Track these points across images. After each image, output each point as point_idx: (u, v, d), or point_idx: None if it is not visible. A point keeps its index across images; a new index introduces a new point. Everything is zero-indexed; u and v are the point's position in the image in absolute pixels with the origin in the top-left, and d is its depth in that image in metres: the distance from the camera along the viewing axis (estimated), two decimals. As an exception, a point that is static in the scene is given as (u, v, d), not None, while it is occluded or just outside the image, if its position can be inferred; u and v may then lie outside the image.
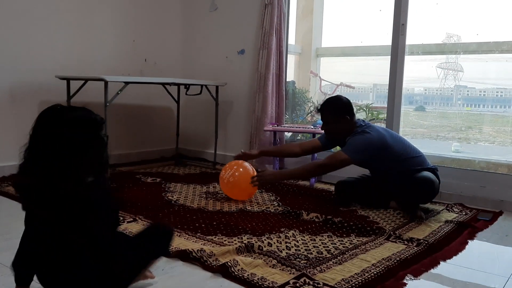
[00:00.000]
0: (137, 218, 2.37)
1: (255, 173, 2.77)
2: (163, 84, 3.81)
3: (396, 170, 2.66)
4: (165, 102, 4.25)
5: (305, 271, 1.71)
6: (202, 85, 3.86)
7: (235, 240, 2.06)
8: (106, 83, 3.03)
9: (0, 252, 1.85)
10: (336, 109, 2.75)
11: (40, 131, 1.27)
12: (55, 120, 1.28)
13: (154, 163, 4.09)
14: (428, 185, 2.56)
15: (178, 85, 3.99)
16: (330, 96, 2.83)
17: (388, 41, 3.34)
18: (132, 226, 2.23)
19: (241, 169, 2.77)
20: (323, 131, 2.86)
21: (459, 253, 2.06)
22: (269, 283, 1.61)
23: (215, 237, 2.11)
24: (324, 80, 4.82)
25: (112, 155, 3.50)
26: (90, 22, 3.74)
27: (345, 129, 2.73)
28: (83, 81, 3.30)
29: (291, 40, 4.44)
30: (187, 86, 3.91)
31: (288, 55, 4.05)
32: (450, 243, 2.16)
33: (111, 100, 3.08)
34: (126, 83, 3.18)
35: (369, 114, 4.50)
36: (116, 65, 3.93)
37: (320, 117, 2.84)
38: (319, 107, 2.83)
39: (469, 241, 2.23)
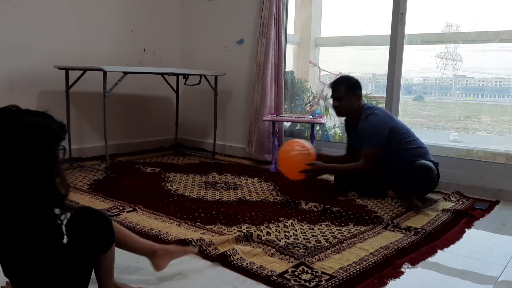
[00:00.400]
0: (136, 208, 2.39)
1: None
2: (162, 74, 3.80)
3: (398, 159, 2.67)
4: (164, 92, 4.25)
5: (303, 260, 1.73)
6: (201, 75, 3.85)
7: (234, 229, 2.07)
8: (104, 73, 3.02)
9: None
10: (350, 85, 2.79)
11: None
12: (3, 123, 1.11)
13: (153, 153, 4.10)
14: (426, 173, 2.57)
15: (177, 75, 3.99)
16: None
17: (387, 31, 3.33)
18: (132, 216, 2.25)
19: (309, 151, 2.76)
20: (333, 108, 2.88)
21: (456, 242, 2.07)
22: (268, 272, 1.62)
23: (214, 226, 2.12)
24: (323, 70, 4.81)
25: (111, 145, 3.53)
26: (89, 12, 3.71)
27: (355, 107, 2.79)
28: (81, 71, 3.29)
29: (290, 29, 4.42)
30: (186, 76, 3.90)
31: (287, 44, 4.04)
32: (448, 232, 2.18)
33: (110, 90, 3.07)
34: (125, 73, 3.18)
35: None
36: (115, 55, 3.92)
37: (331, 94, 2.85)
38: (331, 83, 2.86)
39: (466, 230, 2.24)
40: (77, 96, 3.55)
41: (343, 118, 3.05)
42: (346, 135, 3.08)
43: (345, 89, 2.78)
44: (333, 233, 2.09)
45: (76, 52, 3.63)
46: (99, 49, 3.81)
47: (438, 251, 1.95)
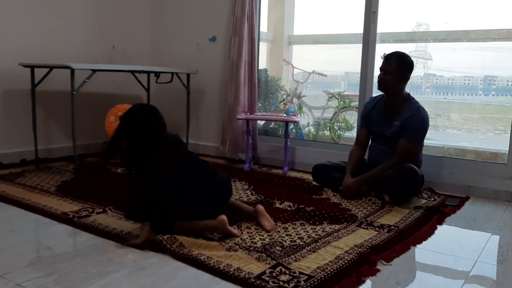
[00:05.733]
0: (106, 209, 2.31)
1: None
2: (132, 72, 3.72)
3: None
4: (135, 90, 4.15)
5: (280, 261, 1.71)
6: (172, 73, 3.78)
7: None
8: (72, 70, 2.92)
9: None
10: (403, 64, 2.66)
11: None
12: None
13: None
14: (416, 175, 2.58)
15: (148, 72, 3.90)
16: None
17: (360, 29, 3.34)
18: (101, 218, 2.18)
19: None
20: (378, 79, 2.71)
21: (429, 238, 2.10)
22: (245, 274, 1.59)
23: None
24: (296, 68, 4.81)
25: (80, 145, 3.42)
26: (55, 7, 3.59)
27: (398, 88, 2.67)
28: (48, 69, 3.18)
29: (263, 27, 4.40)
30: (157, 74, 3.82)
31: (260, 42, 4.02)
32: (420, 229, 2.20)
33: (78, 89, 2.98)
34: (94, 70, 3.08)
35: (341, 102, 4.52)
36: (83, 52, 3.81)
37: (382, 65, 2.69)
38: (386, 55, 2.69)
39: (438, 226, 2.28)
40: (43, 95, 3.43)
41: (366, 103, 2.94)
42: (362, 122, 2.91)
43: (397, 65, 2.63)
44: (308, 232, 2.08)
45: (42, 49, 3.50)
46: (66, 46, 3.68)
47: (411, 247, 1.97)
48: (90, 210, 2.30)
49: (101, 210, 2.30)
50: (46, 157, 3.51)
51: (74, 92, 2.95)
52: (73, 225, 2.09)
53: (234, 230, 1.99)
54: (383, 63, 2.69)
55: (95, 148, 3.90)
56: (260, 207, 2.17)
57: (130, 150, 2.05)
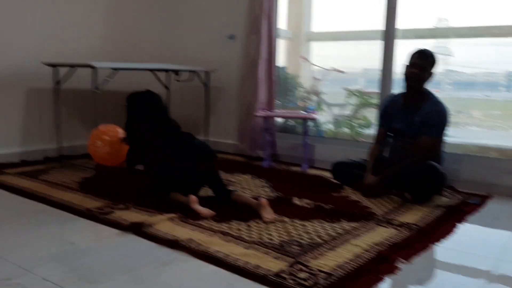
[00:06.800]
0: (128, 205, 2.36)
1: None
2: (152, 70, 3.76)
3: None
4: (155, 88, 4.16)
5: (299, 258, 1.72)
6: (192, 71, 3.82)
7: (223, 226, 2.07)
8: (94, 69, 2.98)
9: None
10: (435, 60, 2.67)
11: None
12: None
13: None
14: (436, 173, 2.55)
15: (168, 71, 3.95)
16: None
17: (379, 26, 3.32)
18: (123, 214, 2.22)
19: None
20: (410, 74, 2.66)
21: (450, 237, 2.08)
22: (264, 271, 1.60)
23: (204, 222, 2.11)
24: (314, 65, 4.79)
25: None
26: (78, 7, 3.66)
27: (424, 84, 2.68)
28: (70, 68, 3.24)
29: (282, 24, 4.39)
30: (177, 72, 3.86)
31: (279, 39, 4.01)
32: (441, 227, 2.18)
33: (99, 87, 3.03)
34: (115, 69, 3.13)
35: (361, 99, 4.49)
36: (104, 51, 3.87)
37: (415, 60, 2.66)
38: (421, 50, 2.67)
39: (460, 224, 2.25)
40: (66, 93, 3.50)
41: (384, 101, 2.94)
42: (381, 121, 2.91)
43: (431, 62, 2.65)
44: (326, 229, 2.08)
45: (64, 48, 3.58)
46: (87, 44, 3.75)
47: (432, 246, 1.95)
48: (113, 206, 2.34)
49: (123, 206, 2.34)
50: (69, 154, 3.59)
51: (96, 91, 3.00)
52: (97, 221, 2.14)
53: (204, 210, 2.21)
54: (417, 58, 2.66)
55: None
56: (264, 200, 2.26)
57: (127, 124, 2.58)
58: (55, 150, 3.44)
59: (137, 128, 2.54)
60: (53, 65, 3.23)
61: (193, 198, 2.27)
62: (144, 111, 2.53)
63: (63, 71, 3.28)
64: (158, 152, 2.47)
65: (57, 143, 3.38)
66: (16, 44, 3.29)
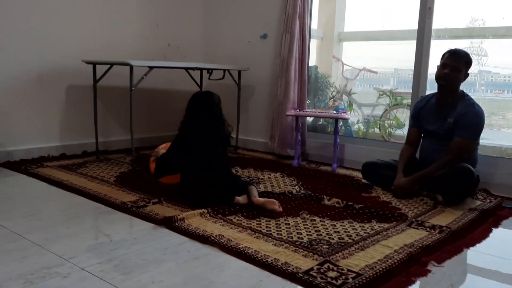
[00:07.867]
0: (161, 199, 2.42)
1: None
2: (186, 68, 3.84)
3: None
4: (188, 86, 4.27)
5: (328, 258, 1.73)
6: (224, 70, 3.87)
7: (253, 222, 2.10)
8: (131, 67, 3.06)
9: (33, 231, 1.93)
10: (469, 62, 2.66)
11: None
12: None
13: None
14: (469, 175, 2.51)
15: (201, 69, 4.01)
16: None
17: (411, 25, 3.27)
18: (157, 208, 2.28)
19: None
20: (444, 75, 2.63)
21: (483, 241, 2.04)
22: (293, 269, 1.63)
23: (234, 218, 2.15)
24: (346, 64, 4.77)
25: (136, 138, 3.58)
26: (115, 7, 3.77)
27: (458, 85, 2.67)
28: (108, 66, 3.35)
29: (314, 24, 4.39)
30: (209, 71, 3.92)
31: (311, 39, 4.02)
32: (474, 231, 2.14)
33: (136, 85, 3.11)
34: (151, 67, 3.21)
35: (393, 100, 4.44)
36: (140, 50, 3.97)
37: (450, 60, 2.63)
38: (455, 51, 2.66)
39: (494, 228, 2.21)
40: (103, 90, 3.61)
41: (416, 102, 2.92)
42: (412, 121, 2.88)
43: (465, 64, 2.63)
44: (356, 229, 2.08)
45: (103, 47, 3.69)
46: (124, 43, 3.86)
47: (464, 249, 1.92)
48: (147, 200, 2.42)
49: (156, 200, 2.41)
50: (105, 149, 3.71)
51: (133, 88, 3.09)
52: (132, 214, 2.21)
53: (240, 198, 2.38)
54: (451, 59, 2.63)
55: (150, 141, 4.07)
56: (271, 200, 2.34)
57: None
58: (92, 144, 3.56)
59: (184, 126, 2.55)
60: (93, 63, 3.34)
61: (236, 199, 2.38)
62: (192, 111, 2.59)
63: (100, 68, 3.38)
64: (192, 160, 2.46)
65: (95, 138, 3.50)
66: (57, 42, 3.42)
